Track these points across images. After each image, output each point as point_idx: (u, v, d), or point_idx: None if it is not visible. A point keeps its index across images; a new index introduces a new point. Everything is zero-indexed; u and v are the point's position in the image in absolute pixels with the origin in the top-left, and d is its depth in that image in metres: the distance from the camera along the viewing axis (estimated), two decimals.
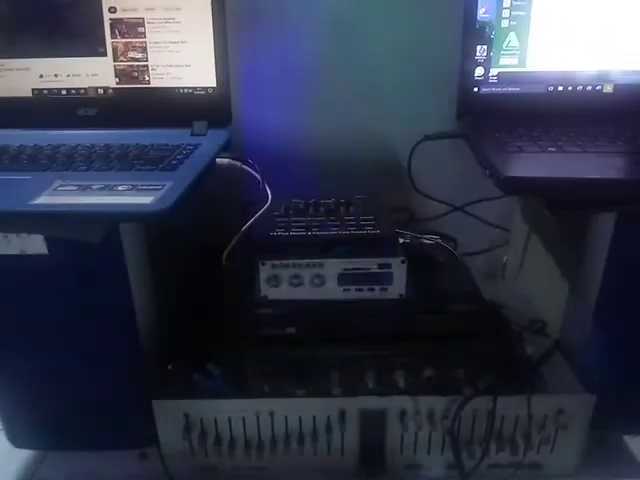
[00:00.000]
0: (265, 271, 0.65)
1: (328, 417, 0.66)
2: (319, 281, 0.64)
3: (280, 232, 0.69)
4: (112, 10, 0.71)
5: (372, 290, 0.65)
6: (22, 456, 0.75)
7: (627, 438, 0.76)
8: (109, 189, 0.56)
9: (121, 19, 0.71)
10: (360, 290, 0.65)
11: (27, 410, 0.70)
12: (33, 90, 0.74)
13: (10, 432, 0.72)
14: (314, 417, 0.66)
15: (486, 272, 0.99)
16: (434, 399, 0.65)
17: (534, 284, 0.85)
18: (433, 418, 0.66)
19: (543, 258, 0.79)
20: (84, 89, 0.74)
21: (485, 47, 0.72)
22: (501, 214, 0.93)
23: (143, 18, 0.71)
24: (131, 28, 0.72)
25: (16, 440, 0.72)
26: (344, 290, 0.65)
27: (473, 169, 0.64)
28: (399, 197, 0.85)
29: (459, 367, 0.65)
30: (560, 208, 0.61)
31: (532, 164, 0.61)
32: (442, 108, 0.76)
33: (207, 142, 0.70)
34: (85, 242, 0.55)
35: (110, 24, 0.72)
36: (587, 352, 0.68)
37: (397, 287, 0.65)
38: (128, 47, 0.72)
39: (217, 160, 0.66)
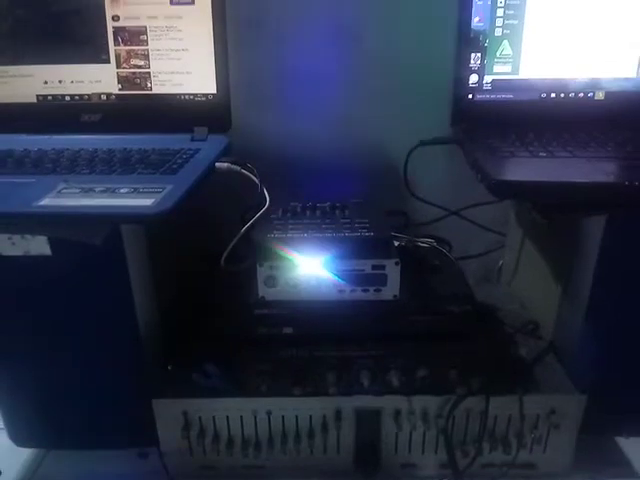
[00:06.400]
0: (262, 272, 0.66)
1: (324, 416, 0.67)
2: (315, 282, 0.65)
3: (277, 234, 0.70)
4: (115, 18, 0.73)
5: (366, 291, 0.66)
6: (24, 455, 0.76)
7: (619, 438, 0.77)
8: (111, 192, 0.58)
9: (124, 27, 0.73)
10: (355, 291, 0.66)
11: (28, 409, 0.71)
12: (37, 96, 0.76)
13: (12, 431, 0.73)
14: (310, 416, 0.67)
15: (482, 276, 1.00)
16: (428, 399, 0.66)
17: (529, 287, 0.86)
18: (427, 417, 0.67)
19: (537, 262, 0.80)
20: (87, 95, 0.76)
21: (479, 55, 0.73)
22: (497, 218, 0.94)
23: (145, 26, 0.73)
24: (134, 36, 0.73)
25: (18, 439, 0.73)
26: (339, 291, 0.66)
27: (468, 174, 0.65)
28: (395, 201, 0.86)
29: (453, 367, 0.66)
30: (550, 212, 0.62)
31: (522, 169, 0.62)
32: (437, 115, 0.77)
33: (207, 147, 0.72)
34: (88, 243, 0.56)
35: (113, 32, 0.73)
36: (579, 353, 0.69)
37: (391, 288, 0.66)
38: (131, 54, 0.74)
39: (217, 164, 0.67)
